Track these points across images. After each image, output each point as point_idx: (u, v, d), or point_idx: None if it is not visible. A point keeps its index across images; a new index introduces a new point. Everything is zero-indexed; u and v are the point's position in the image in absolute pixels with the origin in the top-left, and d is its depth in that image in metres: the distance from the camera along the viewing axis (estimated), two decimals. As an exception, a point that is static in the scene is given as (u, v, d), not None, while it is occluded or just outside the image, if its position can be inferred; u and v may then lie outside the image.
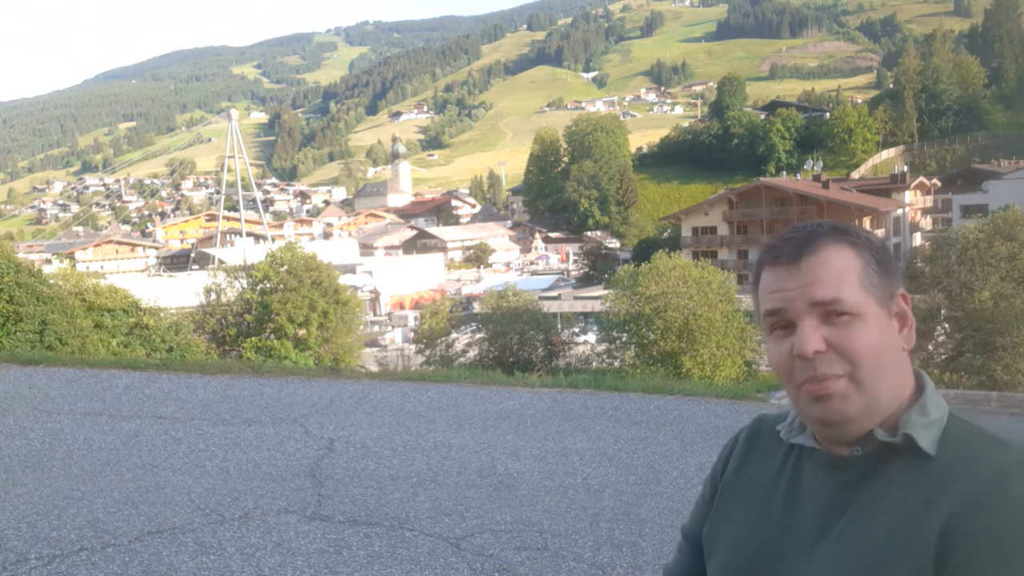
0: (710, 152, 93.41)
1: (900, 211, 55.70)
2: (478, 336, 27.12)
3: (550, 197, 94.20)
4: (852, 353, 1.03)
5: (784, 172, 79.41)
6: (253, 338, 23.82)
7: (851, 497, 1.05)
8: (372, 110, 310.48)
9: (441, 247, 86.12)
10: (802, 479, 1.12)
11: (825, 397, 1.03)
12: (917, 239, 56.56)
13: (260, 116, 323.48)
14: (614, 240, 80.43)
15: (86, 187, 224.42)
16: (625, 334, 23.44)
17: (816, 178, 58.61)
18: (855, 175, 78.05)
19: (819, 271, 1.06)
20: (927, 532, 0.96)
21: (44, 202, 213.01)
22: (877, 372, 1.03)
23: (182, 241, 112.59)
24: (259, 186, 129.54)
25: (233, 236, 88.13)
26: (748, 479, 1.20)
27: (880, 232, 51.59)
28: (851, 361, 1.03)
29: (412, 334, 36.74)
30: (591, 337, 30.88)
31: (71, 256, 77.38)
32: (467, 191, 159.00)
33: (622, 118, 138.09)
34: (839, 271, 1.05)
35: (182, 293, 29.51)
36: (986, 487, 0.95)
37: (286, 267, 24.55)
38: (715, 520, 1.22)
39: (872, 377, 1.03)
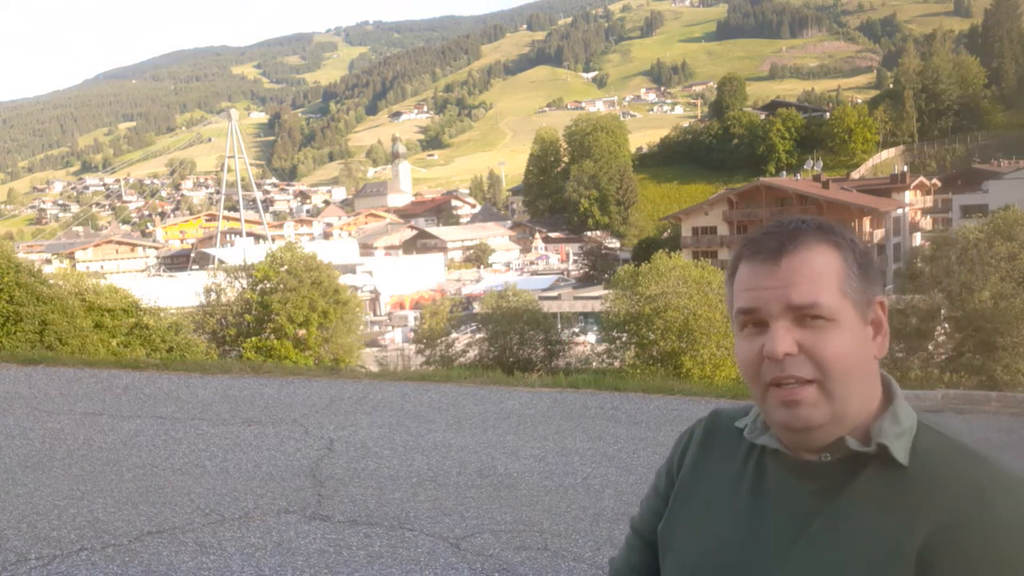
0: (710, 152, 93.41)
1: (900, 211, 55.69)
2: (478, 336, 27.11)
3: (550, 197, 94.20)
4: (823, 359, 1.00)
5: (784, 172, 79.34)
6: (253, 338, 23.82)
7: (822, 504, 1.03)
8: (372, 110, 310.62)
9: (441, 247, 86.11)
10: (767, 482, 1.09)
11: (793, 403, 1.01)
12: (917, 239, 56.54)
13: (260, 116, 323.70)
14: (614, 240, 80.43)
15: (86, 187, 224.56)
16: (625, 334, 23.44)
17: (816, 178, 58.62)
18: (855, 175, 78.06)
19: (799, 272, 1.02)
20: (907, 547, 0.95)
21: (44, 202, 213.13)
22: (847, 380, 1.01)
23: (182, 241, 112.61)
24: (259, 186, 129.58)
25: (233, 236, 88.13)
26: (707, 477, 1.17)
27: (880, 232, 51.62)
28: (822, 367, 1.00)
29: (412, 334, 36.75)
30: (591, 337, 30.89)
31: (71, 256, 77.43)
32: (467, 191, 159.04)
33: (622, 118, 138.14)
34: (819, 273, 1.02)
35: (182, 293, 29.53)
36: (967, 506, 0.94)
37: (286, 267, 24.55)
38: (671, 518, 1.19)
39: (841, 385, 1.00)
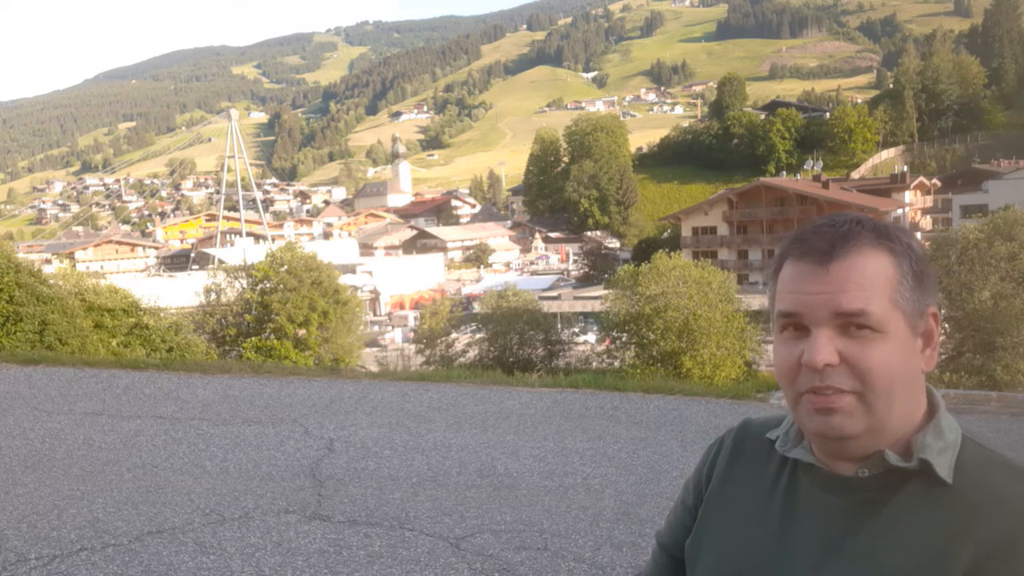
0: (710, 152, 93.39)
1: (900, 211, 55.70)
2: (478, 336, 27.11)
3: (550, 197, 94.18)
4: (866, 372, 0.94)
5: (784, 172, 79.35)
6: (253, 338, 23.82)
7: (860, 520, 0.98)
8: (372, 110, 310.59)
9: (441, 247, 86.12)
10: (800, 496, 1.04)
11: (828, 411, 0.95)
12: (917, 239, 56.50)
13: (260, 116, 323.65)
14: (614, 240, 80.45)
15: (86, 187, 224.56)
16: (625, 334, 23.43)
17: (816, 178, 58.64)
18: (855, 175, 78.04)
19: (849, 277, 0.95)
20: (953, 568, 0.90)
21: (44, 202, 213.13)
22: (888, 394, 0.95)
23: (182, 241, 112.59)
24: (259, 186, 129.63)
25: (233, 236, 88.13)
26: (737, 491, 1.12)
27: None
28: (863, 380, 0.94)
29: (412, 334, 36.73)
30: (591, 337, 30.88)
31: (71, 256, 77.39)
32: (467, 191, 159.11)
33: (622, 118, 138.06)
34: (871, 280, 0.95)
35: (182, 293, 29.52)
36: (1015, 527, 0.89)
37: (286, 267, 24.55)
38: (700, 533, 1.14)
39: (882, 400, 0.95)
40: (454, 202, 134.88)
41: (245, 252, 43.24)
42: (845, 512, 0.99)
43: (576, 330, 30.72)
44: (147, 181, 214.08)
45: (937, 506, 0.94)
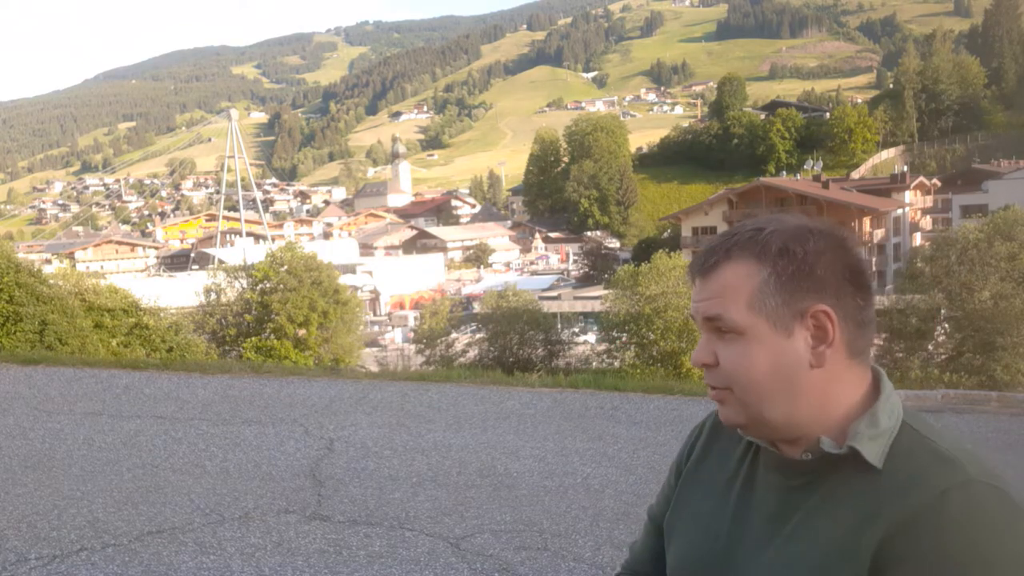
0: (710, 152, 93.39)
1: (900, 211, 55.68)
2: (478, 336, 27.11)
3: (550, 197, 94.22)
4: (727, 373, 1.05)
5: (784, 172, 79.38)
6: (253, 338, 23.82)
7: (798, 503, 1.04)
8: (372, 110, 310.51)
9: (441, 247, 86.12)
10: (757, 478, 1.12)
11: (718, 402, 1.08)
12: (917, 239, 56.53)
13: (260, 116, 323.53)
14: (614, 240, 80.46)
15: (86, 187, 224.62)
16: (625, 334, 23.43)
17: (816, 178, 58.61)
18: (855, 175, 78.02)
19: (712, 288, 1.07)
20: (863, 550, 0.95)
21: (44, 202, 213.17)
22: (755, 392, 1.03)
23: (182, 241, 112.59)
24: (259, 186, 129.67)
25: (233, 236, 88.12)
26: (708, 471, 1.21)
27: (880, 232, 51.60)
28: (727, 379, 1.05)
29: (412, 334, 36.74)
30: (591, 337, 30.86)
31: (71, 256, 77.31)
32: (467, 191, 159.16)
33: (622, 118, 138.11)
34: (728, 289, 1.05)
35: (182, 293, 29.50)
36: (924, 509, 0.93)
37: (286, 267, 24.55)
38: (675, 509, 1.23)
39: (749, 396, 1.04)
40: (454, 202, 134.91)
41: (245, 252, 43.28)
42: (787, 493, 1.06)
43: (576, 330, 30.69)
44: (147, 181, 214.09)
45: (862, 489, 0.99)
